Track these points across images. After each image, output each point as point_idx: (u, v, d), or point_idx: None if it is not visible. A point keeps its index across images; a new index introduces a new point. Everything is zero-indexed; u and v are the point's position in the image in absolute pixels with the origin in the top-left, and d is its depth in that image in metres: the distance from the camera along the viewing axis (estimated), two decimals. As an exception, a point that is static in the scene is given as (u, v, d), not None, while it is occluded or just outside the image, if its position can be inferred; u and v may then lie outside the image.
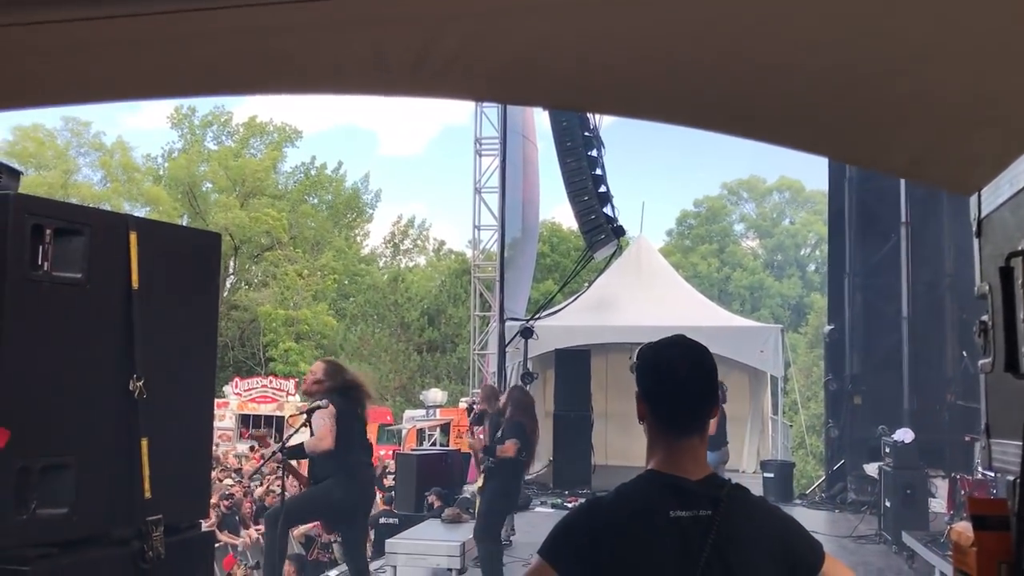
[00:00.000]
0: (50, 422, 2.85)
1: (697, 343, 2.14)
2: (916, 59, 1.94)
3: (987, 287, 1.21)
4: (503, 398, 8.41)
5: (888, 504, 10.35)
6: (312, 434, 6.02)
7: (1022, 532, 1.01)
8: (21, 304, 2.77)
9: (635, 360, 2.11)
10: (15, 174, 3.55)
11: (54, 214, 2.92)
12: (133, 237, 3.13)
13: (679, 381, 2.05)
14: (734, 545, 1.92)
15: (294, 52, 2.26)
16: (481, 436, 8.62)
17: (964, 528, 1.23)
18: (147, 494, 3.11)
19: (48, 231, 2.85)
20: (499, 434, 7.75)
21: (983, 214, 1.25)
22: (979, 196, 1.25)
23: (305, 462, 6.49)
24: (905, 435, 10.56)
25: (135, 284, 3.10)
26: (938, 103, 2.01)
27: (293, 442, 6.32)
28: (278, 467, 6.90)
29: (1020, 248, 1.04)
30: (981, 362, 1.29)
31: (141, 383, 3.09)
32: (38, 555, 2.79)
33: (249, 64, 2.36)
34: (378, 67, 2.08)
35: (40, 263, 2.83)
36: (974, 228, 1.30)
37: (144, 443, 3.10)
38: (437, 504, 11.33)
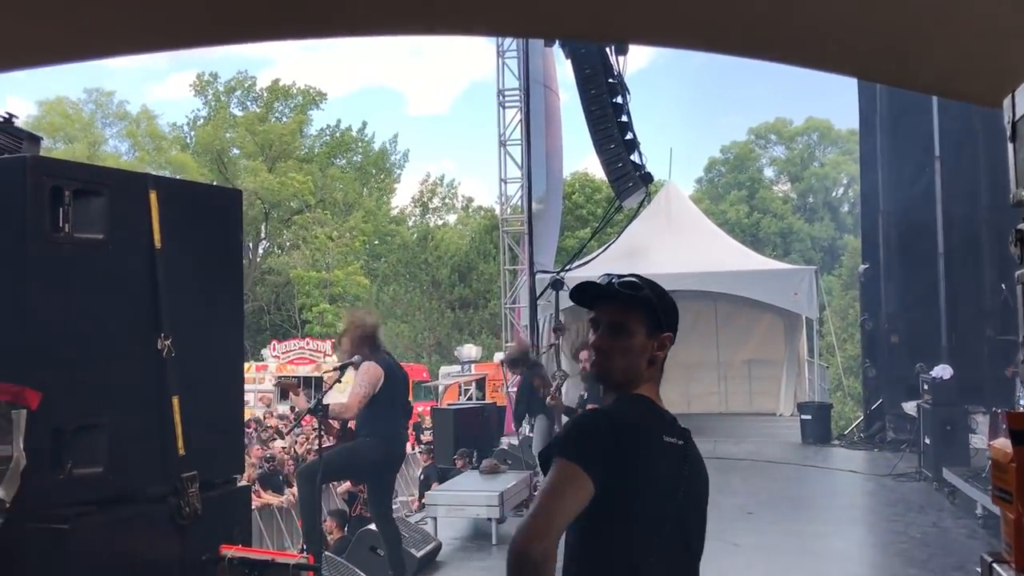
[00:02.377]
0: (81, 383, 2.88)
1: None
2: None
3: (1023, 193, 1.15)
4: (584, 356, 8.39)
5: (928, 441, 10.26)
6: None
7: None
8: (44, 267, 2.78)
9: (657, 291, 2.20)
10: (35, 140, 3.54)
11: (73, 175, 2.92)
12: (153, 196, 3.12)
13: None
14: (696, 475, 2.14)
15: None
16: (557, 395, 8.53)
17: (1003, 444, 1.19)
18: (180, 451, 3.15)
19: (67, 192, 2.85)
20: (585, 395, 7.76)
21: (1017, 116, 1.18)
22: (1012, 98, 1.18)
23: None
24: (943, 371, 10.44)
25: (157, 243, 3.10)
26: (969, 14, 1.92)
27: (328, 399, 6.35)
28: (315, 425, 6.96)
29: (1057, 146, 0.98)
30: (1018, 272, 1.23)
31: (169, 341, 3.11)
32: (76, 513, 2.83)
33: (260, 7, 2.31)
34: (384, 5, 2.03)
35: (61, 225, 2.83)
36: (1008, 132, 1.23)
37: (175, 401, 3.13)
38: (461, 464, 11.37)
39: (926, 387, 10.48)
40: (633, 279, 2.21)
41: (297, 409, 8.22)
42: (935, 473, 9.86)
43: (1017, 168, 1.12)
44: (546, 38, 13.76)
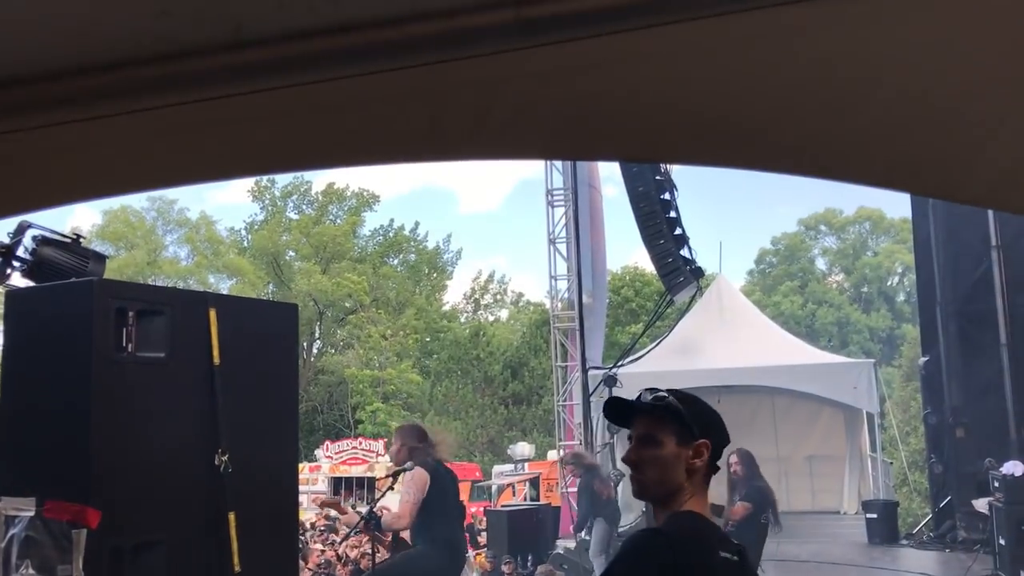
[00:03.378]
0: (140, 500, 2.91)
1: None
2: (990, 83, 1.87)
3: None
4: (733, 460, 8.34)
5: (1002, 542, 9.83)
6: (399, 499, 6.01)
7: None
8: (108, 385, 2.86)
9: (682, 405, 2.21)
10: (101, 259, 3.68)
11: (136, 296, 3.02)
12: (212, 314, 3.21)
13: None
14: None
15: (355, 126, 2.30)
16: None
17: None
18: (236, 567, 3.15)
19: (131, 313, 2.95)
20: (737, 497, 7.67)
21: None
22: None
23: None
24: (1015, 468, 10.06)
25: (216, 360, 3.17)
26: (1013, 127, 1.94)
27: (383, 504, 6.32)
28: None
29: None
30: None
31: (226, 457, 3.14)
32: (133, 634, 2.83)
33: (313, 140, 2.40)
34: (435, 133, 2.10)
35: (124, 344, 2.92)
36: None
37: (232, 517, 3.15)
38: (509, 571, 11.13)
39: (997, 484, 10.10)
40: (661, 391, 2.25)
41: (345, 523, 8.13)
42: (1012, 576, 9.42)
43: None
44: (591, 160, 14.04)
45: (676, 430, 2.14)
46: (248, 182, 48.77)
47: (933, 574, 11.19)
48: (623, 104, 2.09)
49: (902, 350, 39.38)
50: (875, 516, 14.07)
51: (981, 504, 11.35)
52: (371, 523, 5.61)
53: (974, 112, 1.94)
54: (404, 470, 6.04)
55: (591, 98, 2.07)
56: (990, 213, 12.99)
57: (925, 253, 14.69)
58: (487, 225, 70.25)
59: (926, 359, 14.61)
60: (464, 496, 26.05)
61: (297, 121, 2.34)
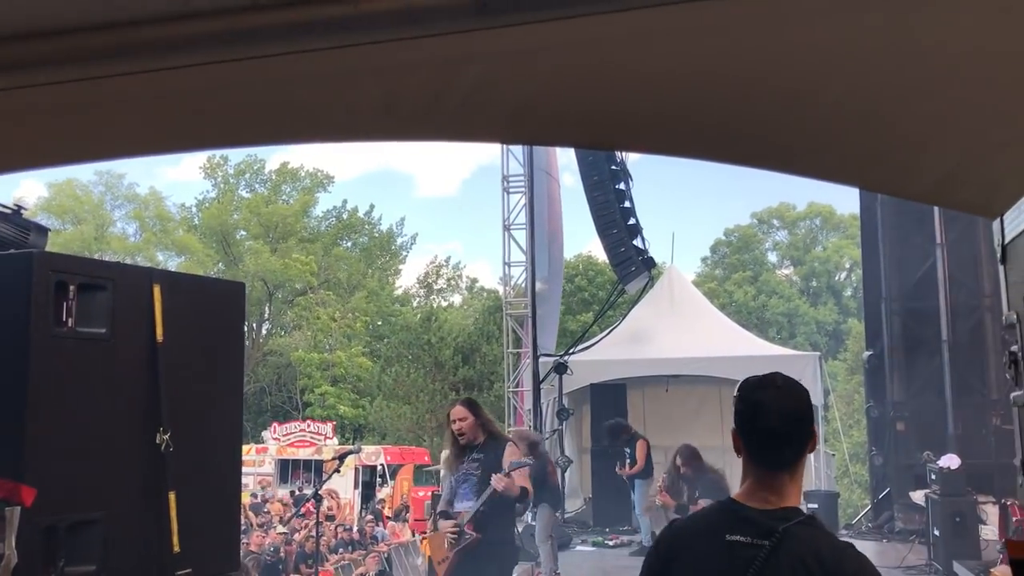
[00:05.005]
0: (77, 479, 2.85)
1: (792, 383, 2.27)
2: (937, 83, 1.90)
3: (1015, 316, 1.15)
4: (679, 459, 8.42)
5: (937, 533, 10.07)
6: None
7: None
8: (46, 361, 2.79)
9: (736, 394, 2.28)
10: (43, 231, 3.59)
11: (77, 269, 2.95)
12: (157, 290, 3.14)
13: (768, 424, 2.20)
14: (772, 571, 2.05)
15: (308, 101, 2.26)
16: (665, 496, 8.48)
17: (1004, 573, 1.17)
18: (176, 548, 3.10)
19: (72, 287, 2.88)
20: (696, 493, 7.71)
21: (1007, 240, 1.20)
22: (1002, 222, 1.20)
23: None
24: (951, 461, 10.31)
25: (160, 337, 3.11)
26: (960, 127, 1.97)
27: (328, 487, 6.24)
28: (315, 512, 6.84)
29: (1048, 276, 0.99)
30: (1014, 395, 1.23)
31: (168, 436, 3.09)
32: (67, 614, 2.78)
33: (264, 115, 2.37)
34: (391, 112, 2.07)
35: (64, 319, 2.85)
36: (999, 255, 1.25)
37: (172, 496, 3.10)
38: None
39: (934, 477, 10.34)
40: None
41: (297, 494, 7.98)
42: (945, 567, 9.65)
43: (1009, 291, 1.13)
44: (547, 145, 14.06)
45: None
46: (200, 159, 48.06)
47: (870, 563, 11.42)
48: (580, 90, 2.08)
49: (847, 344, 40.14)
50: (816, 506, 14.31)
51: (918, 496, 11.62)
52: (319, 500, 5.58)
53: (921, 113, 1.97)
54: (351, 452, 6.02)
55: (548, 83, 2.06)
56: (935, 212, 13.27)
57: (872, 249, 14.95)
58: (444, 210, 69.99)
59: (870, 353, 14.90)
60: (409, 480, 26.09)
61: (250, 95, 2.30)
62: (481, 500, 5.48)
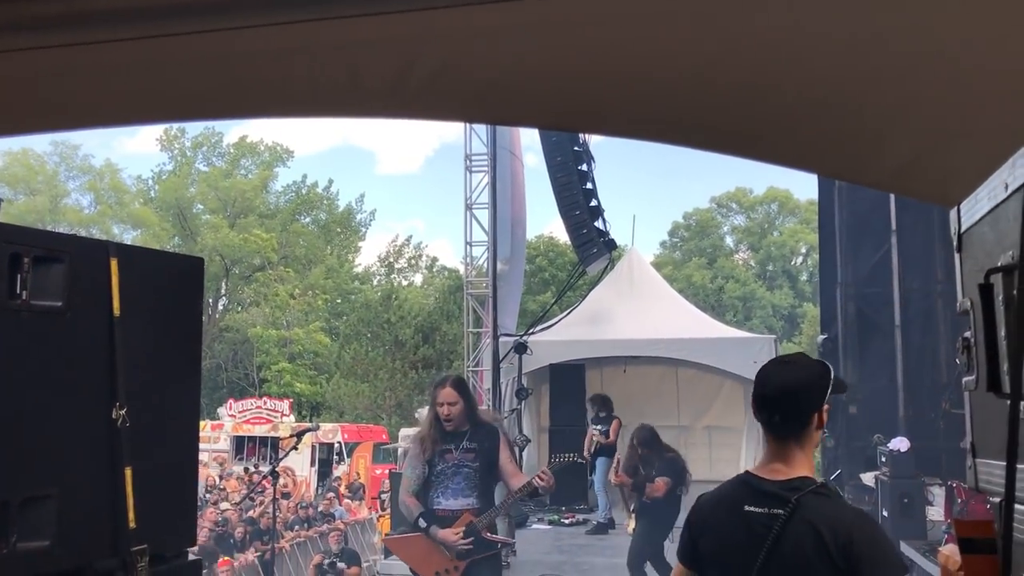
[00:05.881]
0: (30, 454, 2.81)
1: (806, 362, 2.44)
2: (896, 71, 1.92)
3: (968, 303, 1.19)
4: (636, 440, 8.49)
5: (885, 514, 10.29)
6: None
7: (1008, 555, 0.99)
8: (0, 334, 2.74)
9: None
10: (-4, 202, 3.51)
11: (32, 241, 2.89)
12: (114, 263, 3.09)
13: (762, 391, 2.43)
14: (792, 544, 2.16)
15: (269, 76, 2.24)
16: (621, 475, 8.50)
17: (952, 551, 1.21)
18: (132, 524, 3.07)
19: (26, 259, 2.82)
20: (654, 472, 7.74)
21: (963, 228, 1.23)
22: (958, 210, 1.23)
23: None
24: (901, 444, 10.52)
25: (116, 311, 3.07)
26: (918, 115, 2.00)
27: (285, 464, 6.19)
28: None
29: (1000, 264, 1.02)
30: (965, 379, 1.27)
31: (124, 411, 3.05)
32: (20, 590, 2.75)
33: (224, 89, 2.34)
34: (353, 88, 2.06)
35: (18, 292, 2.79)
36: (954, 243, 1.28)
37: (128, 472, 3.06)
38: None
39: (884, 459, 10.55)
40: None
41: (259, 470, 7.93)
42: (893, 546, 9.87)
43: (964, 278, 1.16)
44: (511, 125, 14.03)
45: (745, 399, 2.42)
46: (157, 131, 47.26)
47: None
48: (543, 71, 2.08)
49: (802, 327, 40.74)
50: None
51: (868, 478, 11.85)
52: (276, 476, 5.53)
53: (880, 101, 2.00)
54: (309, 430, 5.95)
55: (512, 63, 2.06)
56: (891, 199, 13.47)
57: (829, 235, 15.13)
58: (406, 187, 69.60)
59: (824, 337, 15.11)
60: (367, 459, 26.06)
61: (211, 68, 2.27)
62: (509, 499, 5.05)
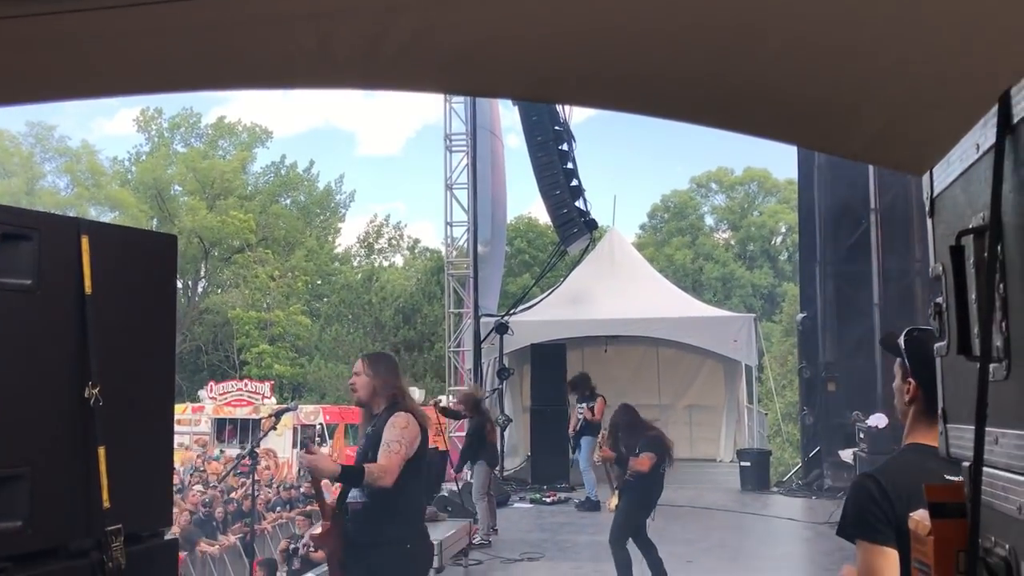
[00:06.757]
0: (1, 433, 2.78)
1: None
2: (870, 42, 1.92)
3: (940, 268, 1.18)
4: (615, 418, 8.52)
5: (863, 490, 10.40)
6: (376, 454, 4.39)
7: (976, 520, 0.99)
8: (-33, 313, 2.70)
9: (904, 346, 2.30)
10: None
11: (1, 218, 2.84)
12: (85, 241, 3.05)
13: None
14: None
15: (241, 47, 2.20)
16: (606, 450, 8.51)
17: (922, 517, 1.21)
18: (106, 504, 3.04)
19: (-6, 236, 2.78)
20: (637, 449, 7.74)
21: (935, 193, 1.22)
22: (931, 175, 1.22)
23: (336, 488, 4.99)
24: (879, 420, 10.63)
25: (88, 289, 3.02)
26: (892, 85, 1.99)
27: (267, 445, 6.16)
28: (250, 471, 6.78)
29: (971, 226, 1.01)
30: (936, 345, 1.26)
31: (97, 390, 3.02)
32: (-8, 569, 2.72)
33: (194, 60, 2.30)
34: (325, 59, 2.03)
35: (-13, 270, 2.75)
36: (927, 208, 1.27)
37: (101, 451, 3.03)
38: None
39: (862, 435, 10.66)
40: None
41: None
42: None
43: (936, 243, 1.16)
44: (489, 97, 13.97)
45: (902, 366, 2.30)
46: (134, 112, 46.73)
47: (799, 519, 11.78)
48: (519, 40, 2.06)
49: (782, 306, 40.98)
50: (748, 464, 14.69)
51: (847, 454, 11.99)
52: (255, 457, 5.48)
53: (855, 72, 1.99)
54: (288, 410, 5.93)
55: (487, 31, 2.03)
56: (871, 178, 13.54)
57: (808, 214, 15.22)
58: (387, 169, 69.17)
59: (804, 316, 15.22)
60: (343, 439, 26.04)
61: (179, 39, 2.23)
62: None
